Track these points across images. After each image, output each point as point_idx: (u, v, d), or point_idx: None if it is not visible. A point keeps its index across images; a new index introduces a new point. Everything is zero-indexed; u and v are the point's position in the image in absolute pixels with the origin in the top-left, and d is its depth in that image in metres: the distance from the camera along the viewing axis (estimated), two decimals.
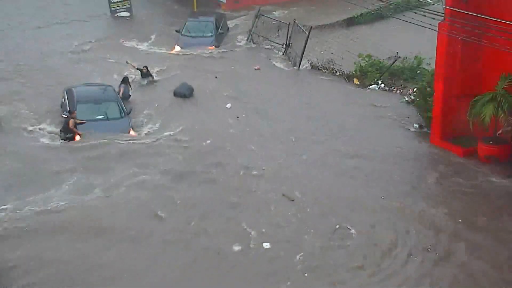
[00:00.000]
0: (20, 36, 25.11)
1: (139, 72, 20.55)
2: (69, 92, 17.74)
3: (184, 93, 19.38)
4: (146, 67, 20.63)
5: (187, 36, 24.25)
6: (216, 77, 21.02)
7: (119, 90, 18.62)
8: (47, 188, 13.72)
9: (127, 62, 20.99)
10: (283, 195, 13.65)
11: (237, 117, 17.87)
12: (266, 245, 11.89)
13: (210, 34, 24.33)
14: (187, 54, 23.15)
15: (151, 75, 20.66)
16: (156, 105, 18.71)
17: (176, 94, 19.38)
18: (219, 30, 24.68)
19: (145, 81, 20.45)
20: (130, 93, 18.99)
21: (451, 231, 12.50)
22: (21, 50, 23.41)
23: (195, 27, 24.65)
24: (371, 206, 13.32)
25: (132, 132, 16.54)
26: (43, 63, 22.17)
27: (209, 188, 14.02)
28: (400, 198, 13.67)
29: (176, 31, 24.75)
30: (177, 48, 23.59)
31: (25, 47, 23.80)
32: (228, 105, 18.66)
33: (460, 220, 12.77)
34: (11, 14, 27.77)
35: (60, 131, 16.50)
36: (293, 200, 13.47)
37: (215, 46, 23.87)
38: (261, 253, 11.72)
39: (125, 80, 19.18)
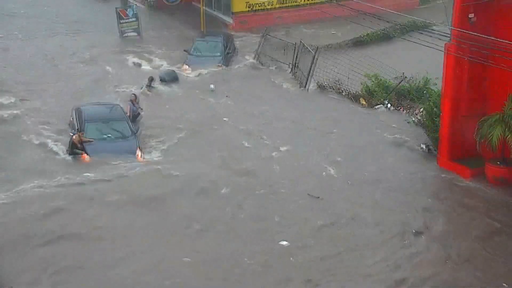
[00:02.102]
0: (30, 50, 25.61)
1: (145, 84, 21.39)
2: (77, 111, 17.91)
3: (164, 78, 22.00)
4: (151, 77, 21.50)
5: (196, 55, 24.46)
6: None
7: (127, 109, 18.71)
8: None
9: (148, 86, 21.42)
10: (308, 194, 14.52)
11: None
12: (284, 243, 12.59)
13: (219, 54, 24.53)
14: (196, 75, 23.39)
15: (152, 86, 21.35)
16: (165, 123, 18.90)
17: (160, 79, 22.00)
18: (227, 50, 24.86)
19: (148, 92, 21.15)
20: (139, 112, 19.02)
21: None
22: (31, 66, 23.90)
23: (204, 47, 24.89)
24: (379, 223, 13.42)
25: (138, 152, 16.60)
26: (50, 79, 22.46)
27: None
28: (406, 218, 13.68)
29: (184, 50, 25.01)
30: (186, 67, 23.80)
31: (34, 62, 24.32)
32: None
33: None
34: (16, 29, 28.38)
35: (67, 150, 16.62)
36: (318, 197, 14.35)
37: (224, 66, 24.04)
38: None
39: (132, 99, 19.22)
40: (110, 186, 14.97)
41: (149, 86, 21.38)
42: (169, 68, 23.47)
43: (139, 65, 24.41)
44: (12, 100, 20.23)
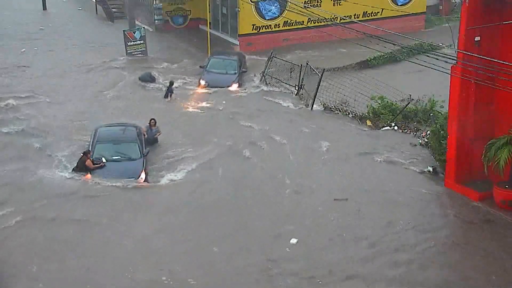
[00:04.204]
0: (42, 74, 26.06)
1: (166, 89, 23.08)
2: (95, 131, 18.19)
3: (143, 79, 24.56)
4: (172, 81, 23.31)
5: (212, 72, 24.87)
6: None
7: (144, 132, 18.70)
8: None
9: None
10: (335, 199, 15.33)
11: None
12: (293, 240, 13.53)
13: (234, 72, 24.92)
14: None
15: (172, 92, 22.94)
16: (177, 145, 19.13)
17: (140, 79, 24.61)
18: (241, 69, 25.30)
19: (166, 98, 22.79)
20: (156, 136, 19.04)
21: None
22: (48, 78, 25.02)
23: (220, 64, 25.32)
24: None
25: (142, 175, 16.65)
26: (68, 102, 22.77)
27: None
28: (414, 245, 13.61)
29: (200, 66, 25.63)
30: (202, 83, 24.32)
31: (51, 75, 25.37)
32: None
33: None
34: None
35: (73, 169, 16.80)
36: (346, 199, 15.25)
37: (238, 84, 24.41)
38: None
39: (151, 123, 19.24)
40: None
41: (170, 91, 22.79)
42: (147, 70, 25.66)
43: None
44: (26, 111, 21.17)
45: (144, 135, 18.53)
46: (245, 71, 25.58)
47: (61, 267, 12.71)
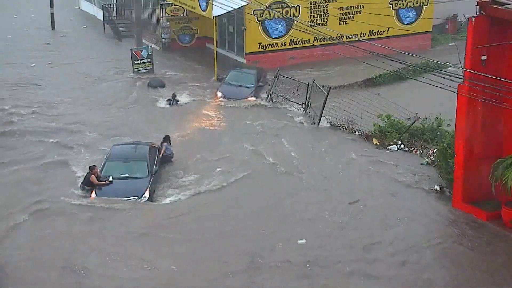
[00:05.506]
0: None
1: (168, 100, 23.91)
2: (110, 149, 18.47)
3: (152, 84, 25.77)
4: (174, 94, 24.10)
5: (230, 84, 25.26)
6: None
7: (161, 150, 18.73)
8: None
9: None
10: (349, 203, 15.97)
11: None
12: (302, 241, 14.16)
13: (251, 85, 25.24)
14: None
15: (177, 102, 23.83)
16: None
17: (148, 85, 25.84)
18: (259, 83, 25.66)
19: (172, 106, 23.64)
20: (171, 152, 19.10)
21: None
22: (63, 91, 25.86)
23: (238, 77, 25.73)
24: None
25: (147, 193, 16.65)
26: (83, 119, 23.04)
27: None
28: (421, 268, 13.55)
29: (218, 79, 26.21)
30: (219, 94, 24.69)
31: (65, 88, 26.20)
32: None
33: None
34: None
35: (81, 184, 17.03)
36: (358, 201, 16.00)
37: (255, 97, 24.74)
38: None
39: (166, 139, 19.29)
40: None
41: (173, 102, 23.69)
42: (155, 76, 27.12)
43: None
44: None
45: (162, 154, 18.55)
46: (263, 85, 25.85)
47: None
